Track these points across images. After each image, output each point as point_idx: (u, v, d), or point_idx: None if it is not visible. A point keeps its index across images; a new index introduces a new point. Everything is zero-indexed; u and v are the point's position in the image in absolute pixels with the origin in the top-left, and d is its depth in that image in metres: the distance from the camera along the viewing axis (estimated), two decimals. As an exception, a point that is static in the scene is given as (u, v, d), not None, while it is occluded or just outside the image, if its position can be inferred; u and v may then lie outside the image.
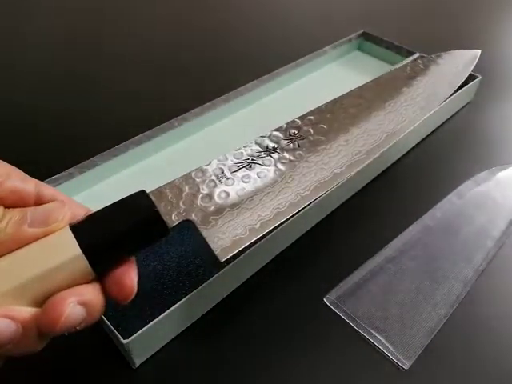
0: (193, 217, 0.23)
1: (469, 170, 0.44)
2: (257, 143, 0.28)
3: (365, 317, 0.32)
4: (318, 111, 0.31)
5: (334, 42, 0.58)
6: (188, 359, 0.30)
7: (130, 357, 0.28)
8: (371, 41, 0.60)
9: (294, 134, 0.29)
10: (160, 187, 0.24)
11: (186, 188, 0.24)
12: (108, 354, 0.30)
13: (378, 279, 0.34)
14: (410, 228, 0.38)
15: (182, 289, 0.33)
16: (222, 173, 0.26)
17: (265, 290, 0.34)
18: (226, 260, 0.24)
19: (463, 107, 0.53)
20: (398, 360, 0.29)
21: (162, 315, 0.28)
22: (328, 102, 0.32)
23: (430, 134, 0.49)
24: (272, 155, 0.28)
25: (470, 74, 0.48)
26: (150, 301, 0.32)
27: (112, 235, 0.20)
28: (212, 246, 0.23)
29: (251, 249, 0.32)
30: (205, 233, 0.23)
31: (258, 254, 0.34)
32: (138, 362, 0.29)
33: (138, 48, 0.66)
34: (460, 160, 0.46)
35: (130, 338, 0.27)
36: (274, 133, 0.29)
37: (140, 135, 0.43)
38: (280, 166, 0.27)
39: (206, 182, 0.25)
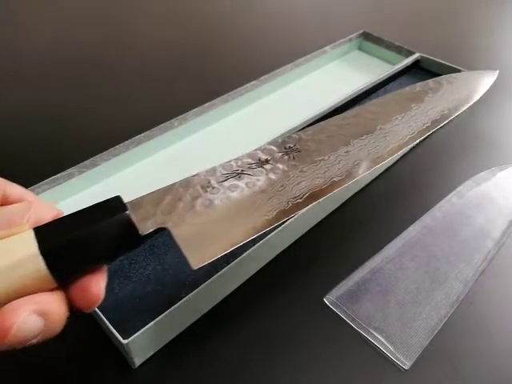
0: (169, 225, 0.22)
1: (469, 170, 0.44)
2: (249, 156, 0.27)
3: (365, 317, 0.32)
4: (318, 127, 0.30)
5: (334, 42, 0.58)
6: (188, 359, 0.30)
7: (129, 357, 0.28)
8: (371, 40, 0.60)
9: (290, 147, 0.28)
10: (141, 196, 0.23)
11: (168, 197, 0.23)
12: (108, 354, 0.30)
13: (378, 279, 0.34)
14: (410, 228, 0.38)
15: (182, 289, 0.33)
16: (209, 183, 0.25)
17: (265, 291, 0.34)
18: (200, 268, 0.22)
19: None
20: (398, 360, 0.29)
21: (161, 315, 0.28)
22: (330, 119, 0.31)
23: (430, 134, 0.49)
24: (264, 166, 0.26)
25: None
26: (150, 301, 0.32)
27: (76, 239, 0.18)
28: (186, 253, 0.22)
29: (251, 249, 0.32)
30: (180, 241, 0.22)
31: (258, 254, 0.34)
32: (137, 362, 0.29)
33: (138, 48, 0.66)
34: (460, 160, 0.46)
35: (130, 338, 0.27)
36: (268, 146, 0.28)
37: (140, 135, 0.43)
38: (272, 176, 0.26)
39: (190, 191, 0.24)
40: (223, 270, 0.31)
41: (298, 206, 0.26)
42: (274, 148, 0.28)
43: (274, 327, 0.32)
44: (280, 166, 0.27)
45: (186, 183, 0.24)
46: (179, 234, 0.22)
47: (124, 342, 0.26)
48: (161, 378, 0.29)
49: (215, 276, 0.30)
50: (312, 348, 0.30)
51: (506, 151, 0.47)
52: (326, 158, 0.28)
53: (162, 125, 0.44)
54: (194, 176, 0.25)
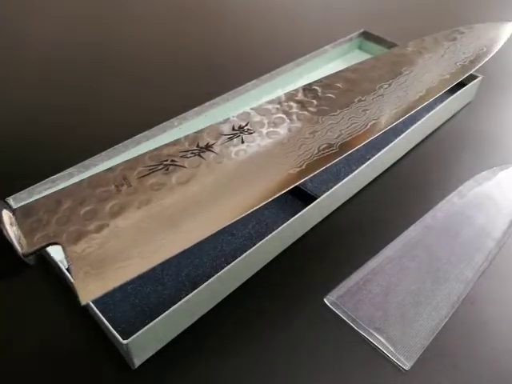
0: (63, 239, 0.17)
1: (469, 169, 0.44)
2: (186, 141, 0.22)
3: (365, 317, 0.32)
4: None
5: (334, 41, 0.58)
6: (187, 359, 0.30)
7: (129, 357, 0.28)
8: (372, 40, 0.60)
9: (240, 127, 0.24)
10: (37, 199, 0.19)
11: (68, 201, 0.18)
12: (107, 354, 0.30)
13: (378, 280, 0.34)
14: (411, 228, 0.38)
15: (181, 289, 0.33)
16: (125, 179, 0.20)
17: (265, 291, 0.34)
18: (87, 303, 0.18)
19: (464, 107, 0.53)
20: (399, 361, 0.29)
21: (161, 315, 0.28)
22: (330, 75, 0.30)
23: (431, 133, 0.49)
24: (202, 153, 0.22)
25: (471, 74, 0.48)
26: (150, 301, 0.32)
27: None
28: (75, 283, 0.17)
29: (251, 249, 0.32)
30: (71, 263, 0.17)
31: (258, 255, 0.34)
32: (137, 362, 0.29)
33: (137, 48, 0.66)
34: (460, 160, 0.46)
35: (130, 339, 0.27)
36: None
37: (140, 135, 0.43)
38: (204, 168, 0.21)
39: (99, 191, 0.19)
40: (223, 271, 0.31)
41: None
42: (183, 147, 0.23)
43: (274, 327, 0.31)
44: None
45: (97, 180, 0.20)
46: (73, 252, 0.17)
47: (124, 342, 0.26)
48: (161, 379, 0.29)
49: (215, 276, 0.30)
50: (312, 348, 0.30)
51: (507, 151, 0.47)
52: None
53: (161, 125, 0.44)
54: (107, 170, 0.20)
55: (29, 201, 0.36)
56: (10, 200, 0.35)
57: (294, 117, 0.26)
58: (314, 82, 0.30)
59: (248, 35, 0.71)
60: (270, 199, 0.22)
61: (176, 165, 0.21)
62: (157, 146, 0.23)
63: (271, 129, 0.25)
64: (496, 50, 0.34)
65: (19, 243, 0.16)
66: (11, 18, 0.74)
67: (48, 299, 0.33)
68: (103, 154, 0.40)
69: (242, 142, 0.24)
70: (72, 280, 0.17)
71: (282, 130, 0.25)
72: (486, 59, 0.34)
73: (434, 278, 0.34)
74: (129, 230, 0.18)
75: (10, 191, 0.36)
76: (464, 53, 0.34)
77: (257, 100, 0.52)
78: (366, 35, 0.61)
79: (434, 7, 0.80)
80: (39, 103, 0.54)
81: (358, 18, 0.74)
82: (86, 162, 0.39)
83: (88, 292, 0.17)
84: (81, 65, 0.62)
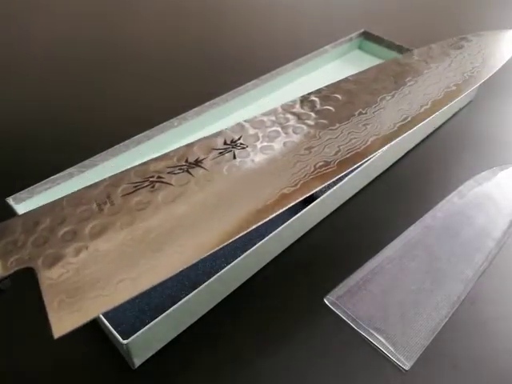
0: (38, 263, 0.16)
1: (469, 169, 0.44)
2: (163, 159, 0.21)
3: (365, 317, 0.32)
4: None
5: (334, 41, 0.58)
6: (188, 360, 0.30)
7: (129, 357, 0.28)
8: (372, 40, 0.60)
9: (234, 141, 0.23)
10: (15, 217, 0.17)
11: (47, 220, 0.17)
12: (107, 354, 0.30)
13: (378, 280, 0.34)
14: (411, 228, 0.38)
15: (181, 289, 0.33)
16: (108, 197, 0.18)
17: (265, 291, 0.34)
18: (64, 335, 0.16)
19: (464, 107, 0.53)
20: (399, 361, 0.29)
21: (161, 315, 0.28)
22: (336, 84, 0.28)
23: (431, 133, 0.49)
24: (191, 170, 0.21)
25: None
26: (150, 301, 0.32)
27: None
28: (50, 314, 0.16)
29: (251, 249, 0.32)
30: (46, 290, 0.16)
31: (259, 255, 0.34)
32: (137, 362, 0.29)
33: (137, 48, 0.66)
34: (461, 160, 0.46)
35: (130, 339, 0.26)
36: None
37: (140, 135, 0.43)
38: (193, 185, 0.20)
39: (81, 210, 0.18)
40: (223, 271, 0.31)
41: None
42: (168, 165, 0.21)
43: (274, 327, 0.31)
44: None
45: (78, 197, 0.18)
46: (48, 278, 0.16)
47: (124, 342, 0.26)
48: (161, 379, 0.29)
49: (215, 276, 0.30)
50: (312, 348, 0.30)
51: (507, 151, 0.47)
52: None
53: (161, 125, 0.44)
54: (89, 187, 0.19)
55: (28, 201, 0.36)
56: (10, 200, 0.36)
57: (290, 130, 0.25)
58: (313, 92, 0.29)
59: (248, 35, 0.70)
60: (261, 222, 0.21)
61: (162, 182, 0.20)
62: (147, 157, 0.22)
63: (265, 143, 0.24)
64: (504, 62, 0.33)
65: None
66: (16, 15, 0.74)
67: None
68: (103, 153, 0.40)
69: (234, 157, 0.23)
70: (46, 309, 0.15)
71: (277, 145, 0.24)
72: (495, 70, 0.32)
73: (434, 277, 0.34)
74: (109, 253, 0.17)
75: (10, 191, 0.36)
76: (472, 62, 0.32)
77: (257, 100, 0.52)
78: (366, 35, 0.61)
79: (434, 7, 0.80)
80: (39, 103, 0.54)
81: (358, 18, 0.74)
82: (86, 161, 0.40)
83: (62, 325, 0.16)
84: (81, 64, 0.62)
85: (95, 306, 0.16)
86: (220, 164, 0.22)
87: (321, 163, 0.24)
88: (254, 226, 0.20)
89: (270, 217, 0.21)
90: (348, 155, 0.24)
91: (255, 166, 0.23)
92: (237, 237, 0.20)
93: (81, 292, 0.16)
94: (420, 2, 0.81)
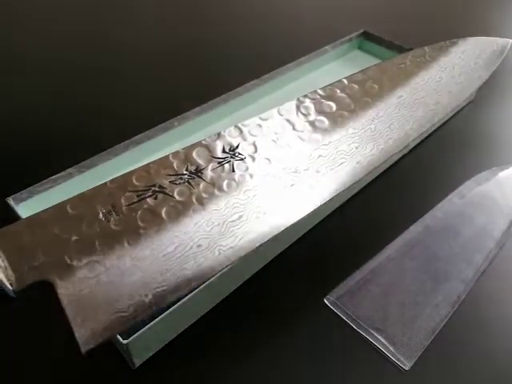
0: (54, 277, 0.15)
1: (469, 169, 0.44)
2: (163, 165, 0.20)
3: (365, 317, 0.32)
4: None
5: (334, 42, 0.58)
6: (188, 360, 0.30)
7: (129, 357, 0.28)
8: (372, 40, 0.60)
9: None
10: (17, 222, 0.16)
11: (56, 229, 0.16)
12: (107, 354, 0.30)
13: (378, 279, 0.34)
14: (411, 228, 0.38)
15: (181, 289, 0.33)
16: (113, 207, 0.17)
17: (265, 291, 0.34)
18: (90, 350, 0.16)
19: (464, 107, 0.53)
20: (399, 361, 0.29)
21: (161, 315, 0.28)
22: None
23: (431, 133, 0.49)
24: (192, 181, 0.21)
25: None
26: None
27: None
28: (75, 329, 0.16)
29: (252, 249, 0.32)
30: (68, 305, 0.15)
31: (259, 255, 0.34)
32: (137, 362, 0.29)
33: (137, 48, 0.66)
34: (461, 160, 0.46)
35: (130, 339, 0.26)
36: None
37: (140, 135, 0.43)
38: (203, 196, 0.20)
39: (88, 217, 0.17)
40: (224, 271, 0.30)
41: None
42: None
43: (273, 327, 0.31)
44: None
45: (82, 201, 0.17)
46: (67, 294, 0.15)
47: (124, 342, 0.26)
48: (161, 379, 0.29)
49: (215, 276, 0.30)
50: (312, 348, 0.30)
51: (507, 151, 0.47)
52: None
53: (161, 125, 0.44)
54: (92, 191, 0.18)
55: (28, 201, 0.36)
56: (10, 200, 0.36)
57: (284, 142, 0.26)
58: (312, 98, 0.29)
59: (248, 35, 0.70)
60: (251, 250, 0.22)
61: (165, 193, 0.19)
62: (147, 157, 0.22)
63: (262, 160, 0.24)
64: (492, 70, 0.33)
65: (7, 278, 0.14)
66: (17, 18, 0.74)
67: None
68: (103, 153, 0.40)
69: (233, 170, 0.23)
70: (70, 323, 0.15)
71: (272, 159, 0.24)
72: (485, 80, 0.32)
73: (434, 277, 0.34)
74: (130, 262, 0.17)
75: (10, 191, 0.36)
76: (460, 74, 0.33)
77: (257, 100, 0.52)
78: (366, 35, 0.61)
79: (434, 7, 0.80)
80: (39, 103, 0.54)
81: (358, 18, 0.74)
82: (86, 162, 0.39)
83: (88, 340, 0.16)
84: (81, 64, 0.62)
85: (119, 321, 0.17)
86: (220, 176, 0.23)
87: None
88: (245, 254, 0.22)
89: (262, 243, 0.23)
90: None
91: (253, 182, 0.23)
92: (227, 268, 0.21)
93: (107, 303, 0.16)
94: (420, 2, 0.81)
